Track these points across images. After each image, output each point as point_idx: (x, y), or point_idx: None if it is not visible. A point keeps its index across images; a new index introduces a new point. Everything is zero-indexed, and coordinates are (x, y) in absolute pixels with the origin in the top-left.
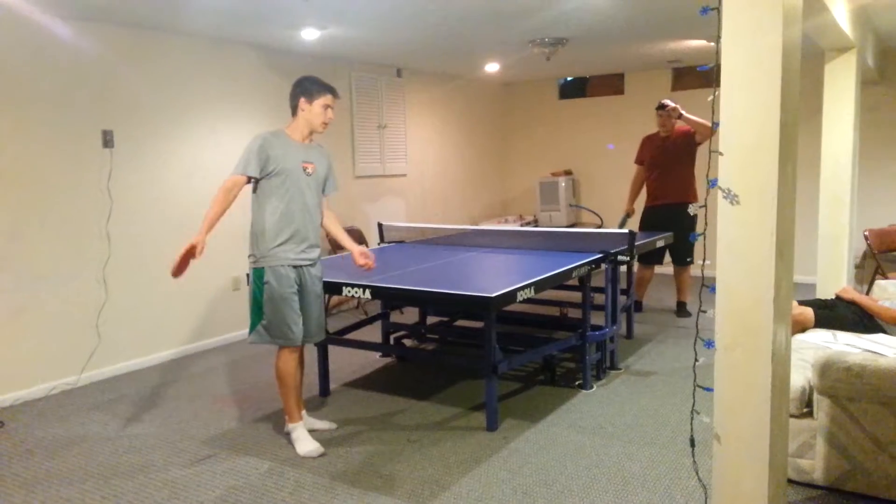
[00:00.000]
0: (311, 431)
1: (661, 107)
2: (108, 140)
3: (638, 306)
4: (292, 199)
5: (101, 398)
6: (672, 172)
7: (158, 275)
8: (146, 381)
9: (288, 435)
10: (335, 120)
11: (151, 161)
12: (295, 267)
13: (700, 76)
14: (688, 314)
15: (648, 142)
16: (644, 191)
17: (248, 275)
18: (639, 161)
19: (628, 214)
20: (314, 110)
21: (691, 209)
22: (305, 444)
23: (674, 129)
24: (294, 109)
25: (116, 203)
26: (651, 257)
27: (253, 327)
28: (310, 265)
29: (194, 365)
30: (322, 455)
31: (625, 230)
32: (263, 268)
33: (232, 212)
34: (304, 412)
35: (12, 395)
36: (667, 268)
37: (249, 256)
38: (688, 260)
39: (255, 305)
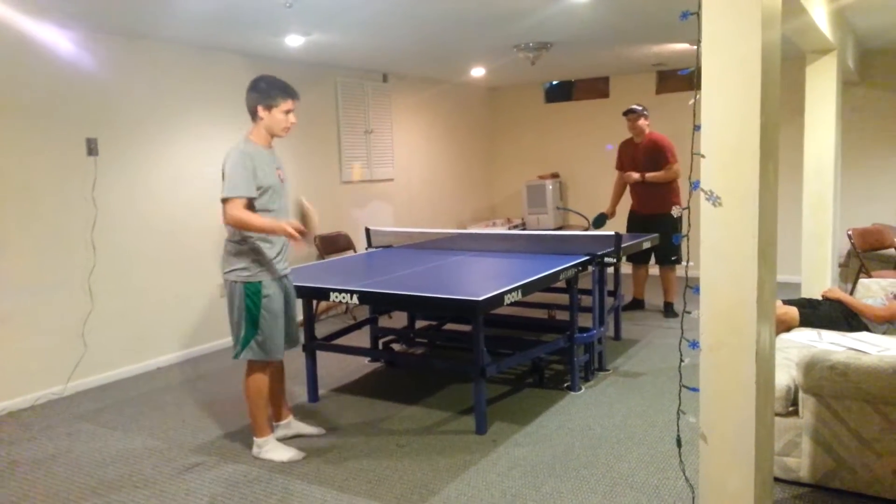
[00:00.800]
0: (299, 437)
1: (629, 111)
2: (92, 148)
3: (639, 304)
4: (279, 212)
5: (87, 408)
6: (648, 183)
7: (144, 283)
8: (133, 390)
9: (259, 449)
10: (322, 125)
11: (136, 169)
12: (282, 278)
13: (684, 79)
14: (675, 314)
15: (625, 147)
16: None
17: (229, 287)
18: (618, 167)
19: (605, 215)
20: (276, 117)
21: (675, 211)
22: (284, 452)
23: (645, 136)
24: (252, 115)
25: (101, 211)
26: (640, 257)
27: (246, 343)
28: (289, 273)
29: (181, 373)
30: (304, 457)
31: (600, 231)
32: (261, 281)
33: (219, 220)
34: (291, 417)
35: None
36: (654, 268)
37: (240, 270)
38: (673, 259)
39: (249, 321)
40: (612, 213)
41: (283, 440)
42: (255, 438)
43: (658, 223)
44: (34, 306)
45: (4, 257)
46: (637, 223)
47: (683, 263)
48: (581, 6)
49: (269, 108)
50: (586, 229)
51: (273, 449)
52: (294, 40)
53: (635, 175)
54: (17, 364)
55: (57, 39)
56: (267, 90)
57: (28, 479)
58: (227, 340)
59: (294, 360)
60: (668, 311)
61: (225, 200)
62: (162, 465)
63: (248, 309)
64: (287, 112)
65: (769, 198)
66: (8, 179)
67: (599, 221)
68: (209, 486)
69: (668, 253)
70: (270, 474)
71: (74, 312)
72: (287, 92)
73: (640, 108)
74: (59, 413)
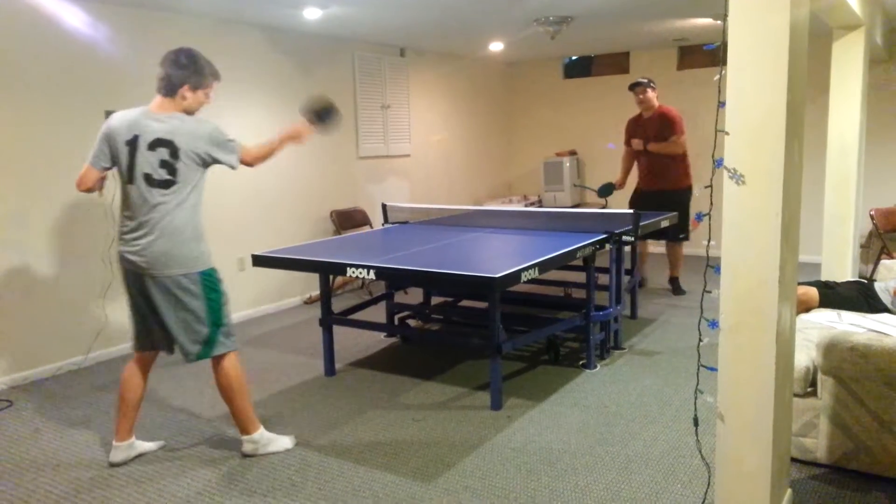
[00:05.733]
0: (141, 456)
1: (635, 84)
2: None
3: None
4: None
5: (107, 378)
6: (655, 157)
7: None
8: None
9: (254, 445)
10: (339, 99)
11: None
12: None
13: (706, 55)
14: (682, 291)
15: (633, 123)
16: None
17: (184, 282)
18: (626, 143)
19: (613, 184)
20: (199, 99)
21: (696, 189)
22: (284, 440)
23: (654, 109)
24: (174, 90)
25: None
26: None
27: (213, 340)
28: None
29: None
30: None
31: (603, 199)
32: (213, 267)
33: (237, 194)
34: (133, 438)
35: (20, 375)
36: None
37: (199, 257)
38: (681, 237)
39: (213, 313)
40: (621, 185)
41: (125, 462)
42: (250, 435)
43: (667, 200)
44: (55, 277)
45: (25, 229)
46: (642, 200)
47: (704, 242)
48: None
49: (195, 88)
50: (603, 207)
51: (271, 441)
52: (312, 13)
53: (638, 142)
54: (39, 334)
55: (73, 12)
56: (201, 69)
57: (51, 447)
58: (244, 313)
59: (311, 334)
60: (676, 287)
61: (236, 156)
62: (180, 434)
63: (210, 300)
64: (208, 94)
65: (793, 176)
66: (27, 153)
67: (606, 190)
68: (227, 457)
69: (678, 230)
70: None
71: (94, 284)
72: (216, 74)
73: (645, 80)
74: (81, 383)
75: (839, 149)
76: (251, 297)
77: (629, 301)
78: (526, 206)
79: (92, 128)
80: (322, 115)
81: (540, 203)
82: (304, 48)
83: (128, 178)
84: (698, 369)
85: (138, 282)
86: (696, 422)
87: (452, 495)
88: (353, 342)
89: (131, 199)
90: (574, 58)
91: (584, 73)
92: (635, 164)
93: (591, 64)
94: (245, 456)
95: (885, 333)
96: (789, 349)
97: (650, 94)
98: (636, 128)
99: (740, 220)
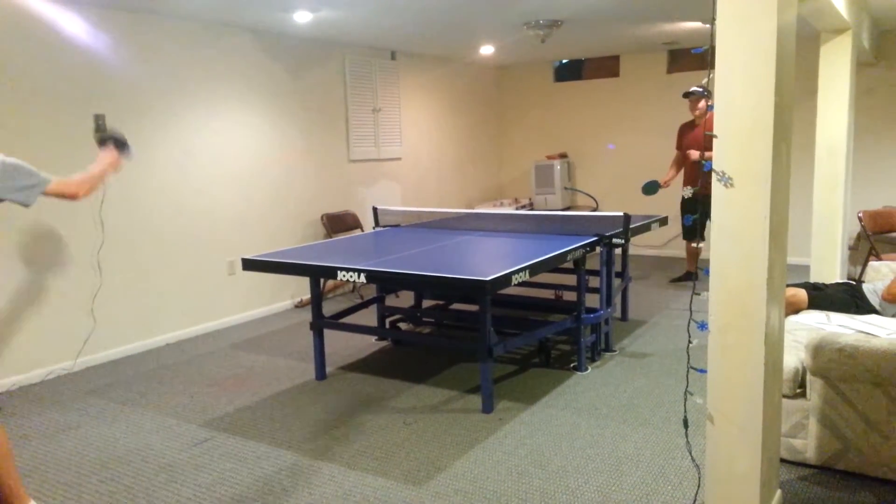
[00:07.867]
0: None
1: (689, 94)
2: (100, 124)
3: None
4: None
5: (97, 383)
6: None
7: (153, 259)
8: (142, 366)
9: None
10: (330, 103)
11: (144, 145)
12: None
13: (696, 58)
14: (689, 279)
15: (685, 129)
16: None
17: None
18: (677, 147)
19: (658, 183)
20: None
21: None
22: None
23: (706, 115)
24: None
25: (109, 187)
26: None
27: None
28: None
29: (190, 349)
30: None
31: (647, 195)
32: None
33: (228, 198)
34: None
35: (8, 381)
36: (665, 250)
37: None
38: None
39: None
40: (667, 184)
41: None
42: None
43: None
44: (43, 283)
45: (14, 235)
46: (694, 203)
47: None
48: None
49: None
50: (594, 210)
51: None
52: (302, 16)
53: (695, 154)
54: (28, 339)
55: (64, 16)
56: None
57: (39, 453)
58: (235, 317)
59: (301, 338)
60: (684, 277)
61: None
62: (171, 440)
63: None
64: None
65: (782, 179)
66: (15, 155)
67: (651, 188)
68: (218, 462)
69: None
70: (278, 450)
71: (83, 289)
72: None
73: (700, 89)
74: (69, 388)
75: (827, 151)
76: (241, 300)
77: (620, 303)
78: (517, 208)
79: (83, 131)
80: (120, 143)
81: (531, 206)
82: (294, 52)
83: None
84: (688, 371)
85: None
86: (685, 423)
87: (444, 499)
88: (344, 346)
89: None
90: (564, 61)
91: (575, 77)
92: (682, 168)
93: (582, 67)
94: None
95: (872, 334)
96: (778, 350)
97: (703, 103)
98: (688, 133)
99: (729, 223)
